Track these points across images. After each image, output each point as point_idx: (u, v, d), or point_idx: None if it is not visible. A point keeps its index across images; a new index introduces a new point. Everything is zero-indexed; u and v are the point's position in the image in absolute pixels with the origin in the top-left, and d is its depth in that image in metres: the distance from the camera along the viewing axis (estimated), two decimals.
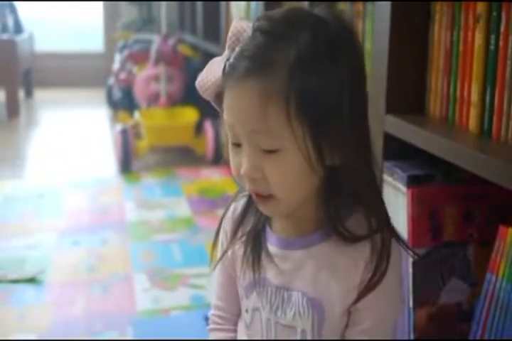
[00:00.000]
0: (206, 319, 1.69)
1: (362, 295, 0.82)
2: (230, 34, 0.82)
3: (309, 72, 0.75)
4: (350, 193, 0.83)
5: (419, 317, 1.22)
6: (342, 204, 0.83)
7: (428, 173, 1.24)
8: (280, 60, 0.74)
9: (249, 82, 0.75)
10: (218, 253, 0.95)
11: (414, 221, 1.21)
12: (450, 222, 1.23)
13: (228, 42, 0.81)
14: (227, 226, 0.92)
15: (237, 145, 0.80)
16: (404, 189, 1.23)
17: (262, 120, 0.75)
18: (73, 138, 3.98)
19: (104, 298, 1.91)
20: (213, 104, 0.84)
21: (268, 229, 0.88)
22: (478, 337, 1.11)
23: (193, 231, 2.45)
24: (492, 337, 1.08)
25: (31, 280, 2.00)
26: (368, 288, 0.81)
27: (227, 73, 0.78)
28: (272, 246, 0.86)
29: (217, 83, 0.80)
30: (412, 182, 1.22)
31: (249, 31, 0.79)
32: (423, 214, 1.22)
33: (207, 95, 0.83)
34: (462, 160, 1.06)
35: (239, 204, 0.92)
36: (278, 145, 0.76)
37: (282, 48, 0.75)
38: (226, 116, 0.79)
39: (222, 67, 0.79)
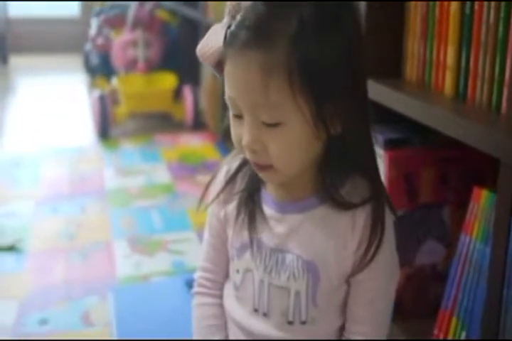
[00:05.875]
0: (187, 284, 1.71)
1: (362, 266, 0.82)
2: (229, 1, 0.80)
3: (311, 42, 0.73)
4: (348, 160, 0.83)
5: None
6: (338, 172, 0.83)
7: (405, 137, 1.25)
8: (281, 31, 0.73)
9: (250, 53, 0.74)
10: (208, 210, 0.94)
11: (391, 183, 1.22)
12: (426, 185, 1.24)
13: (229, 8, 0.79)
14: (219, 187, 0.91)
15: (238, 116, 0.79)
16: (381, 152, 1.23)
17: (264, 93, 0.74)
18: (50, 105, 3.94)
19: (84, 265, 1.92)
20: (214, 71, 0.82)
21: (264, 190, 0.88)
22: (452, 297, 1.13)
23: (173, 197, 2.45)
24: (465, 297, 1.10)
25: (10, 249, 2.00)
26: (365, 258, 0.82)
27: (228, 42, 0.76)
28: (267, 208, 0.86)
29: (219, 51, 0.78)
30: (389, 145, 1.23)
31: None
32: (399, 177, 1.23)
33: (208, 63, 0.80)
34: (437, 123, 1.07)
35: (233, 166, 0.91)
36: (280, 118, 0.75)
37: (284, 18, 0.73)
38: (227, 87, 0.78)
39: (223, 35, 0.78)
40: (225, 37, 0.77)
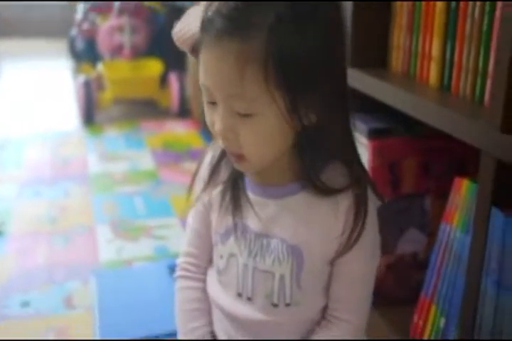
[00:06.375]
0: (170, 269, 1.72)
1: (346, 248, 0.84)
2: None
3: (288, 34, 0.73)
4: (326, 147, 0.83)
5: (377, 266, 1.26)
6: (318, 158, 0.83)
7: (389, 127, 1.26)
8: (259, 22, 0.73)
9: (225, 42, 0.73)
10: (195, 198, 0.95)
11: (375, 173, 1.24)
12: (409, 175, 1.26)
13: None
14: (205, 173, 0.92)
15: (213, 103, 0.79)
16: (365, 141, 1.25)
17: (239, 84, 0.74)
18: (34, 89, 3.92)
19: (67, 249, 1.92)
20: (191, 55, 0.82)
21: (247, 176, 0.88)
22: (432, 284, 1.15)
23: (157, 183, 2.46)
24: (445, 285, 1.12)
25: None
26: (350, 242, 0.83)
27: (204, 29, 0.76)
28: (251, 193, 0.87)
29: (195, 37, 0.78)
30: (373, 135, 1.24)
31: None
32: (383, 167, 1.24)
33: (184, 47, 0.81)
34: (421, 114, 1.08)
35: (217, 152, 0.91)
36: (253, 109, 0.76)
37: (262, 9, 0.73)
38: (201, 75, 0.78)
39: (200, 20, 0.77)
40: (202, 22, 0.77)
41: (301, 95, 0.75)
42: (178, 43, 0.82)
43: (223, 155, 0.90)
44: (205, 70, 0.77)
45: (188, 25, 0.79)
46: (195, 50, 0.80)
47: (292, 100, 0.75)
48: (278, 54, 0.72)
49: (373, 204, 0.86)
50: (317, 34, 0.75)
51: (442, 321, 1.13)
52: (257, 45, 0.72)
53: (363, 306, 0.89)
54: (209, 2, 0.77)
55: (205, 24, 0.76)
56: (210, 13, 0.76)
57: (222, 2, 0.75)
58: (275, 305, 0.87)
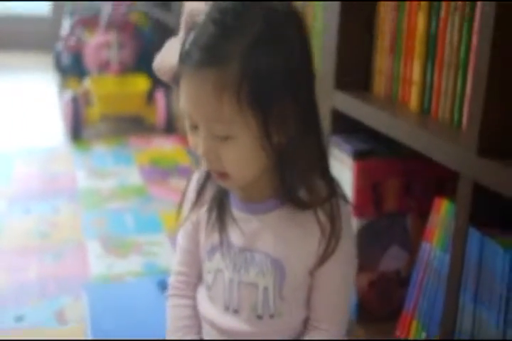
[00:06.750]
0: (159, 284, 1.75)
1: (323, 260, 0.88)
2: (185, 15, 0.85)
3: (259, 60, 0.78)
4: (302, 164, 0.87)
5: (360, 282, 1.30)
6: (294, 175, 0.88)
7: (373, 148, 1.31)
8: (232, 51, 0.78)
9: (203, 72, 0.79)
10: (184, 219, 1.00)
11: (359, 193, 1.28)
12: (391, 194, 1.31)
13: (183, 23, 0.84)
14: (192, 193, 0.97)
15: (195, 127, 0.84)
16: (350, 162, 1.29)
17: (217, 109, 0.79)
18: (20, 105, 3.92)
19: (58, 264, 1.95)
20: (171, 85, 0.87)
21: (231, 194, 0.93)
22: (413, 300, 1.19)
23: (145, 200, 2.49)
24: (426, 301, 1.16)
25: None
26: (327, 253, 0.88)
27: (182, 61, 0.82)
28: (235, 210, 0.92)
29: (174, 69, 0.83)
30: (357, 155, 1.29)
31: (204, 13, 0.82)
32: (367, 187, 1.29)
33: (164, 78, 0.86)
34: (402, 136, 1.13)
35: (203, 172, 0.96)
36: (231, 132, 0.81)
37: (234, 39, 0.78)
38: (182, 102, 0.83)
39: (178, 52, 0.82)
40: (180, 54, 0.82)
41: (271, 117, 0.81)
42: (158, 74, 0.87)
43: (208, 175, 0.95)
44: (186, 98, 0.82)
45: (168, 58, 0.84)
46: (175, 80, 0.85)
47: (264, 123, 0.81)
48: (250, 78, 0.78)
49: (348, 217, 0.91)
50: (285, 59, 0.80)
51: (423, 335, 1.17)
52: (232, 71, 0.78)
53: (341, 315, 0.94)
54: (186, 34, 0.82)
55: (183, 56, 0.82)
56: (187, 45, 0.81)
57: (198, 34, 0.80)
58: (260, 317, 0.92)
